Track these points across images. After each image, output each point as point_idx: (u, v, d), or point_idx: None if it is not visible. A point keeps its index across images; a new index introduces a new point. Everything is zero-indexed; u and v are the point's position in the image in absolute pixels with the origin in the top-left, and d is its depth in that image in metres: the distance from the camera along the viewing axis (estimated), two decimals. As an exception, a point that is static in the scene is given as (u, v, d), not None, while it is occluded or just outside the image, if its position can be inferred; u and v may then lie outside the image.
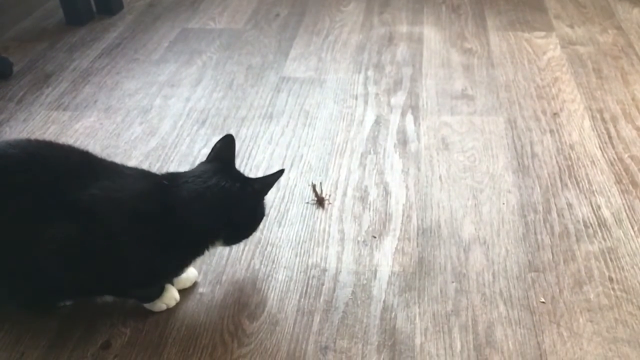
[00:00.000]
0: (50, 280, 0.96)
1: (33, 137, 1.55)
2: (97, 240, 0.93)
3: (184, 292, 1.11)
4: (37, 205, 0.93)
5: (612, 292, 1.08)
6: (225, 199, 1.00)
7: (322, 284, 1.12)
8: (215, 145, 1.08)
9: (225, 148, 1.08)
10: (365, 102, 1.64)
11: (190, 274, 1.12)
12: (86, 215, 0.93)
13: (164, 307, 1.07)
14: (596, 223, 1.22)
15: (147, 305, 1.07)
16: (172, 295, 1.08)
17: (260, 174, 1.39)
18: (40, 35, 2.08)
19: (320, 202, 1.30)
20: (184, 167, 1.22)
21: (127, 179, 1.00)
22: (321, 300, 1.09)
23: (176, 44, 1.98)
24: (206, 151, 1.43)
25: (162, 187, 0.99)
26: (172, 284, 1.10)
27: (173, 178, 1.01)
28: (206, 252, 1.03)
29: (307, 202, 1.31)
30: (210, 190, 0.99)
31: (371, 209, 1.28)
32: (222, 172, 1.03)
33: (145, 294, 1.07)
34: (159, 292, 1.07)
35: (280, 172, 1.05)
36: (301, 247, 1.20)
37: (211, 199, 0.99)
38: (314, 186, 1.32)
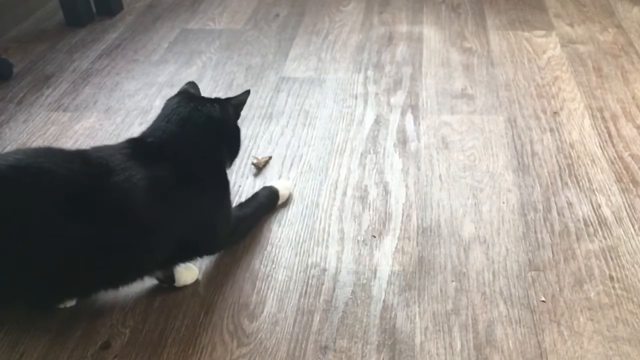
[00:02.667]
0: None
1: (33, 138, 1.55)
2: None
3: (184, 292, 1.11)
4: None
5: (612, 291, 1.07)
6: (213, 116, 1.09)
7: (322, 284, 1.12)
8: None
9: (191, 87, 1.19)
10: (365, 102, 1.64)
11: (191, 270, 1.12)
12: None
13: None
14: (596, 221, 1.22)
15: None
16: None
17: (259, 175, 1.39)
18: (41, 36, 2.08)
19: (257, 167, 1.39)
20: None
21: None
22: (321, 299, 1.08)
23: (176, 45, 1.98)
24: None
25: (154, 145, 1.05)
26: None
27: (152, 132, 1.07)
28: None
29: (255, 175, 1.39)
30: (196, 111, 1.09)
31: (371, 208, 1.28)
32: (195, 98, 1.13)
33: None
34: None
35: (247, 92, 1.19)
36: (301, 247, 1.20)
37: (201, 119, 1.08)
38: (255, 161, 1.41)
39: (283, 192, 1.29)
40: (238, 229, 1.20)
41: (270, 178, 1.38)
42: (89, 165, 0.97)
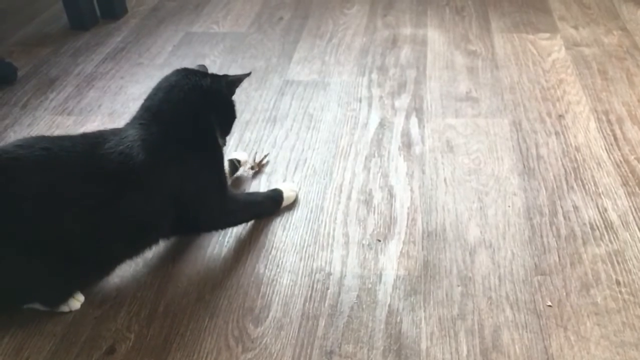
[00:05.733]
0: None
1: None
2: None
3: (189, 297, 1.11)
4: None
5: (619, 296, 1.07)
6: (200, 84, 1.12)
7: (327, 288, 1.11)
8: None
9: (200, 67, 1.21)
10: (369, 105, 1.63)
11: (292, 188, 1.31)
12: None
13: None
14: (603, 225, 1.21)
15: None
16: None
17: (264, 178, 1.39)
18: (45, 40, 2.08)
19: (254, 169, 1.39)
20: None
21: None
22: (326, 304, 1.08)
23: (180, 48, 1.98)
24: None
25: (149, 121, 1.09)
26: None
27: (144, 103, 1.12)
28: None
29: (245, 172, 1.40)
30: (185, 79, 1.12)
31: (376, 212, 1.28)
32: (189, 70, 1.16)
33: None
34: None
35: (248, 74, 1.24)
36: (305, 251, 1.19)
37: (187, 86, 1.11)
38: (255, 156, 1.42)
39: (288, 194, 1.29)
40: (234, 209, 1.21)
41: (275, 181, 1.38)
42: (86, 138, 1.05)
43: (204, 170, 1.12)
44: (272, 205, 1.28)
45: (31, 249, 0.96)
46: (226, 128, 1.22)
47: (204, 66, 1.23)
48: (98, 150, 1.01)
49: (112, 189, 1.00)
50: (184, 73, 1.15)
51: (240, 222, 1.24)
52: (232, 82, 1.20)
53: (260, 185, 1.37)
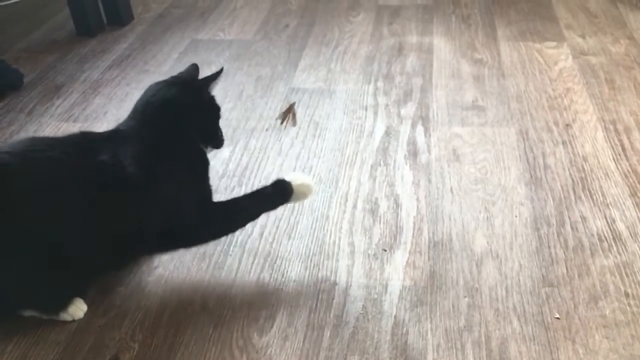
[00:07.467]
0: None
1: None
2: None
3: (193, 306, 1.10)
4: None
5: (628, 308, 1.06)
6: (167, 97, 1.13)
7: (332, 298, 1.10)
8: None
9: (192, 69, 1.23)
10: (375, 113, 1.63)
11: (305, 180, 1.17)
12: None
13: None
14: (611, 237, 1.20)
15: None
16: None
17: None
18: (51, 46, 2.09)
19: (283, 119, 1.42)
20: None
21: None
22: (331, 314, 1.07)
23: (186, 55, 1.98)
24: (214, 162, 1.43)
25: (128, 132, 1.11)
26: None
27: (127, 118, 1.14)
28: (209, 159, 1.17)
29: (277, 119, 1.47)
30: (153, 96, 1.14)
31: (381, 221, 1.27)
32: (164, 83, 1.18)
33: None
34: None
35: (220, 71, 1.22)
36: (311, 261, 1.18)
37: (157, 102, 1.13)
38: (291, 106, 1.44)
39: (299, 189, 1.14)
40: (219, 218, 1.12)
41: (280, 190, 1.37)
42: (78, 147, 1.05)
43: (178, 184, 1.09)
44: (272, 200, 1.15)
45: (17, 254, 0.96)
46: (206, 133, 1.18)
47: (195, 66, 1.24)
48: (89, 163, 1.01)
49: (100, 202, 1.00)
50: (159, 87, 1.16)
51: (231, 230, 1.19)
52: (202, 86, 1.19)
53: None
